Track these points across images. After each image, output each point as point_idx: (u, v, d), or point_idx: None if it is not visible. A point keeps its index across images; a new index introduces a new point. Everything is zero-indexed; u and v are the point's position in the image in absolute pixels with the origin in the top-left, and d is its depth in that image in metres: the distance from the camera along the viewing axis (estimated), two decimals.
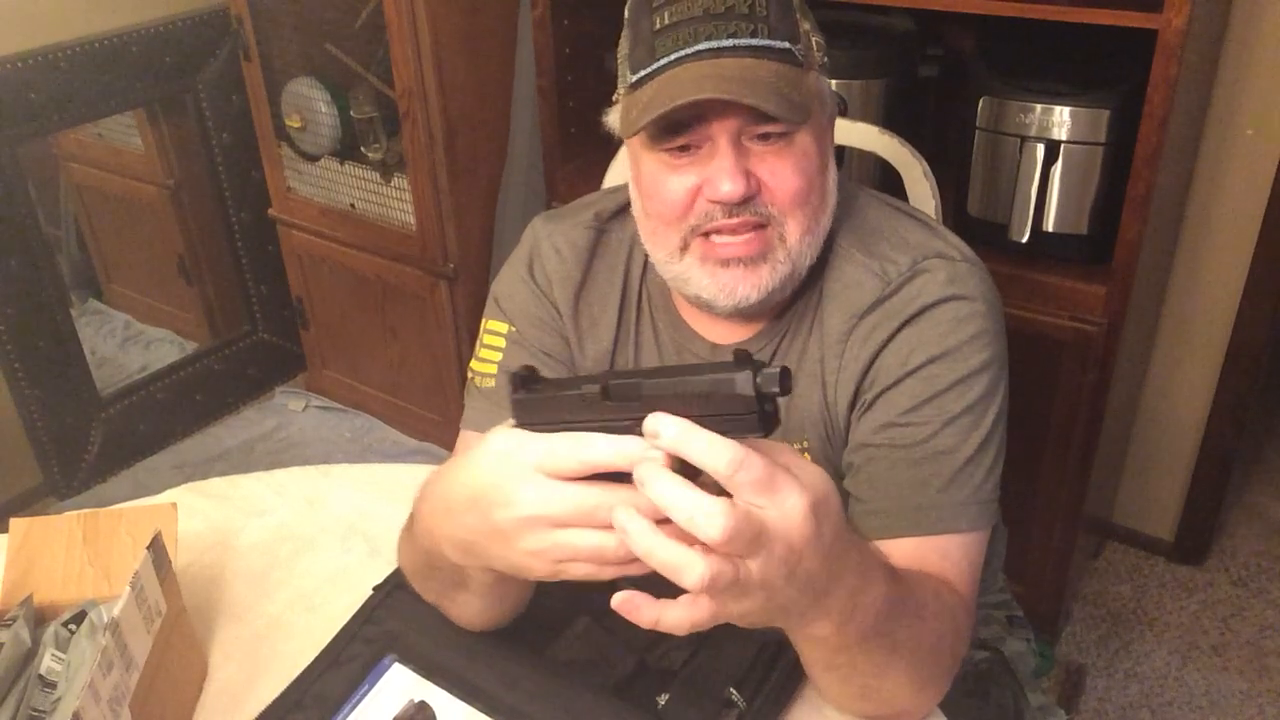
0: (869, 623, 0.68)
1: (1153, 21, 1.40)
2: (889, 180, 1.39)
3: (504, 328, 1.02)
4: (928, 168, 1.26)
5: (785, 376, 0.55)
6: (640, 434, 0.57)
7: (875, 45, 1.77)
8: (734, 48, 0.82)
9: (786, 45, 0.84)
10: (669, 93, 0.82)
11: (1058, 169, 1.59)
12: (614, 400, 0.59)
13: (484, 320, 1.05)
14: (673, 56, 0.83)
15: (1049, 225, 1.64)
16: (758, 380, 0.54)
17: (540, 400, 0.63)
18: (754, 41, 0.82)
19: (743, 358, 0.56)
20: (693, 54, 0.82)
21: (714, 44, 0.82)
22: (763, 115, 0.81)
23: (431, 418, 2.50)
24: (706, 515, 0.54)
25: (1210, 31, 1.64)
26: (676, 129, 0.84)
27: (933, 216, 1.16)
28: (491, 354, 1.02)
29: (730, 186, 0.84)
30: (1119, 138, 1.55)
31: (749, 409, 0.55)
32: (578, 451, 0.60)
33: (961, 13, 1.57)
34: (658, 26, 0.84)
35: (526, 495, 0.62)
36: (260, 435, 2.61)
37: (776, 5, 0.84)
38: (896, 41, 1.79)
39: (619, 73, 0.89)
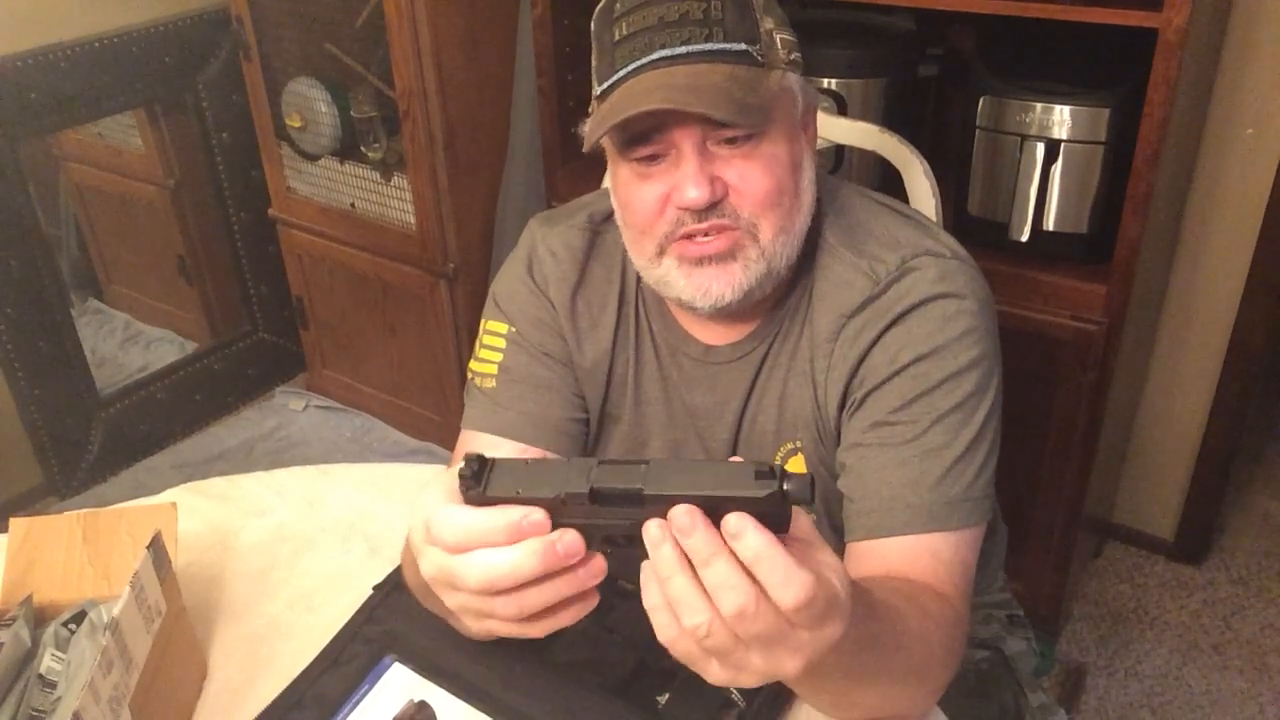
0: (833, 662, 0.63)
1: (1153, 21, 1.40)
2: (889, 180, 1.39)
3: (504, 328, 1.02)
4: (928, 167, 1.26)
5: (812, 486, 0.54)
6: (629, 532, 0.57)
7: (875, 45, 1.77)
8: (688, 54, 0.83)
9: (743, 47, 0.84)
10: (620, 105, 0.83)
11: (1058, 168, 1.59)
12: (603, 504, 0.57)
13: (484, 320, 1.05)
14: (630, 67, 0.84)
15: (1049, 224, 1.64)
16: (786, 489, 0.53)
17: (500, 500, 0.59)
18: (709, 46, 0.83)
19: (765, 471, 0.54)
20: (649, 63, 0.83)
21: (668, 52, 0.83)
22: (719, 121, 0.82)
23: (431, 417, 2.50)
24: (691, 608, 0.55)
25: (1210, 31, 1.64)
26: (641, 139, 0.85)
27: (927, 214, 1.16)
28: (492, 354, 1.02)
29: (695, 193, 0.84)
30: (1119, 137, 1.55)
31: (771, 515, 0.54)
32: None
33: (961, 13, 1.57)
34: (617, 38, 0.85)
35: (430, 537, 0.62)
36: (260, 435, 2.60)
37: (733, 7, 0.84)
38: (896, 41, 1.79)
39: (592, 84, 0.90)
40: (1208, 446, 2.04)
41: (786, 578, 0.53)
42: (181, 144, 2.56)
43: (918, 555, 0.85)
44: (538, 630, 0.62)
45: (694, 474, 0.55)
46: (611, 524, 0.58)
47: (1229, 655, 1.95)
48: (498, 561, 0.58)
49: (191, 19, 2.35)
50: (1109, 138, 1.55)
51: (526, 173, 2.16)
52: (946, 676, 0.81)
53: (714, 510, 0.54)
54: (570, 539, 0.58)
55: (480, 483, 0.59)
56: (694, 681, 0.83)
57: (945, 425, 0.88)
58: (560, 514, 0.58)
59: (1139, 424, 2.10)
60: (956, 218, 1.72)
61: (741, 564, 0.54)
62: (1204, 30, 1.55)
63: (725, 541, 0.54)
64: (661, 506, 0.55)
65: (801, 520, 0.57)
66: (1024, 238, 1.64)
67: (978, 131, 1.64)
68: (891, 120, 1.70)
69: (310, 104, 2.24)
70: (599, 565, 0.60)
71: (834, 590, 0.56)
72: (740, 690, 0.82)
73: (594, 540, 0.60)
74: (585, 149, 0.87)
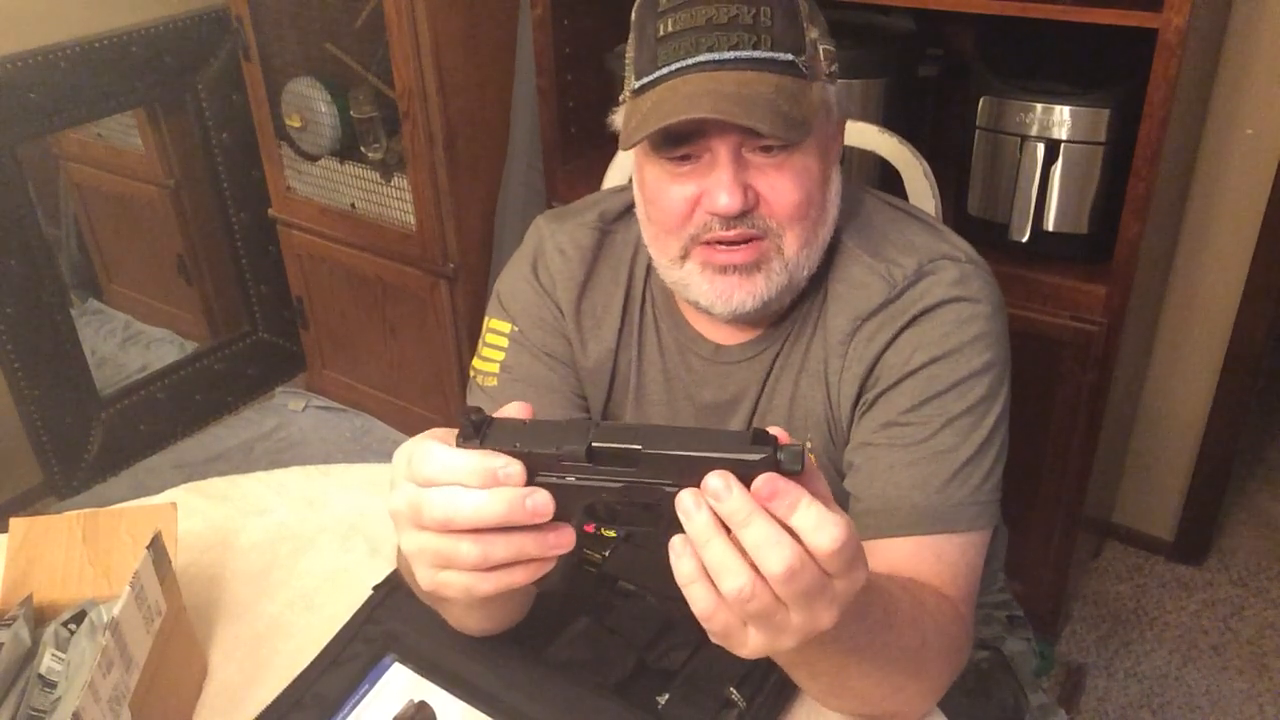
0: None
1: (1153, 21, 1.40)
2: (889, 180, 1.39)
3: (507, 327, 1.02)
4: (928, 167, 1.26)
5: (803, 456, 0.55)
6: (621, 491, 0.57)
7: (875, 45, 1.77)
8: (735, 60, 0.82)
9: (790, 57, 0.83)
10: (666, 107, 0.81)
11: (1058, 168, 1.59)
12: (599, 463, 0.58)
13: (487, 318, 1.05)
14: (674, 66, 0.83)
15: (1049, 225, 1.64)
16: (780, 459, 0.54)
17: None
18: (756, 54, 0.82)
19: (761, 437, 0.55)
20: (693, 65, 0.82)
21: (715, 56, 0.82)
22: None
23: (431, 417, 2.50)
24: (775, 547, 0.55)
25: (1210, 31, 1.64)
26: (677, 140, 0.84)
27: (935, 217, 1.16)
28: (494, 353, 1.02)
29: (728, 200, 0.84)
30: (1119, 137, 1.55)
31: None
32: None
33: (961, 13, 1.57)
34: (661, 34, 0.84)
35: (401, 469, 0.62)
36: (260, 435, 2.61)
37: (782, 15, 0.83)
38: (896, 41, 1.79)
39: (625, 74, 0.89)
40: (1208, 446, 2.04)
41: (820, 522, 0.54)
42: (181, 144, 2.56)
43: (922, 556, 0.85)
44: (488, 584, 0.61)
45: (690, 437, 0.56)
46: (602, 485, 0.58)
47: (1229, 655, 1.95)
48: (463, 500, 0.58)
49: (191, 19, 2.35)
50: (1109, 138, 1.55)
51: (526, 173, 2.16)
52: (945, 674, 0.81)
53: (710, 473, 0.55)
54: (541, 498, 0.58)
55: (478, 435, 0.60)
56: (694, 681, 0.83)
57: (955, 428, 0.88)
58: (552, 470, 0.59)
59: (1139, 424, 2.10)
60: (956, 218, 1.72)
61: (780, 521, 0.54)
62: (1204, 30, 1.55)
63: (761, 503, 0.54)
64: (656, 467, 0.56)
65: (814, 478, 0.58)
66: (1024, 238, 1.64)
67: (978, 131, 1.64)
68: (891, 120, 1.70)
69: (310, 104, 2.24)
70: (568, 535, 0.60)
71: (856, 534, 0.58)
72: (740, 690, 0.82)
73: (575, 509, 0.60)
74: (624, 147, 0.87)
